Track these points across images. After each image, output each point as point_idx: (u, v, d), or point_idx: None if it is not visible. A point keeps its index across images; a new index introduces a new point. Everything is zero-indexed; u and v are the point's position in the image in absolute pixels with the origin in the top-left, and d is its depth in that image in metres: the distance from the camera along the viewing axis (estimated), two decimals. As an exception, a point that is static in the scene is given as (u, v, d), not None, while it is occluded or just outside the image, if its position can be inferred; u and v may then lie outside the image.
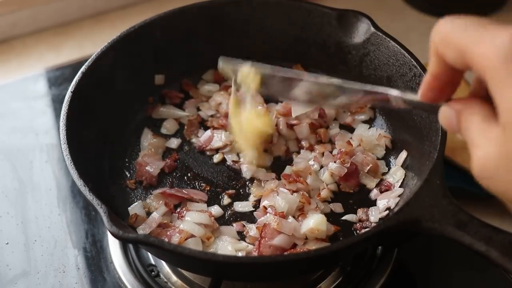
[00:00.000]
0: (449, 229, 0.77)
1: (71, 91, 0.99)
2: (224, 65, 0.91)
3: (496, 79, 0.52)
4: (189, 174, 1.06)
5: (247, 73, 0.86)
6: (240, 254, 0.93)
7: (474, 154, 0.57)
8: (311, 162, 1.05)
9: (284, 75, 0.83)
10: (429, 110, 0.66)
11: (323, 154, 1.06)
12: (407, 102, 0.69)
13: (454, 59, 0.57)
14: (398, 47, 1.03)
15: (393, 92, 0.70)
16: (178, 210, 0.99)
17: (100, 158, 1.03)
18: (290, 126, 1.08)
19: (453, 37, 0.56)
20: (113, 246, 1.06)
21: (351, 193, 1.02)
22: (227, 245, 0.94)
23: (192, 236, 0.93)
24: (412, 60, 1.00)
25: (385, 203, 0.98)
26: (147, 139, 1.10)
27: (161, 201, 1.00)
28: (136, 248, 1.04)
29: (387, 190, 1.00)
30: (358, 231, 0.96)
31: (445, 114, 0.62)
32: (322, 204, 0.99)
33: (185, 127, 1.13)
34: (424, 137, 0.96)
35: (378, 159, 1.06)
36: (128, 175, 1.06)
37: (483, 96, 0.59)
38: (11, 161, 1.22)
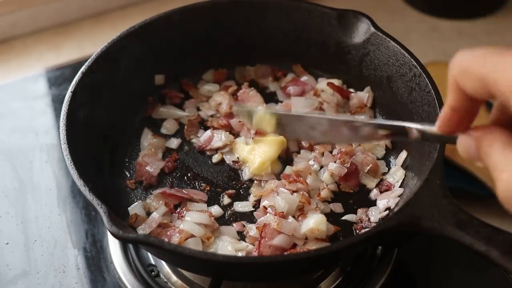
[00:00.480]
0: (449, 229, 0.77)
1: (71, 91, 0.99)
2: (238, 110, 0.97)
3: None
4: (189, 174, 1.06)
5: (261, 117, 0.88)
6: (240, 254, 0.93)
7: (499, 177, 0.57)
8: (311, 162, 1.05)
9: (296, 115, 0.87)
10: (447, 141, 0.66)
11: (323, 154, 1.06)
12: (424, 135, 0.70)
13: (475, 89, 0.57)
14: (398, 47, 1.03)
15: (410, 125, 0.71)
16: (178, 210, 0.99)
17: (100, 158, 1.03)
18: (290, 126, 1.08)
19: (474, 67, 0.56)
20: (113, 246, 1.06)
21: (351, 193, 1.02)
22: (227, 245, 0.94)
23: (192, 236, 0.93)
24: (412, 60, 1.00)
25: (385, 203, 0.98)
26: (147, 139, 1.10)
27: (161, 201, 1.00)
28: (136, 248, 1.04)
29: (387, 190, 1.00)
30: (358, 231, 0.96)
31: (463, 143, 0.62)
32: (322, 204, 0.99)
33: (185, 127, 1.13)
34: (424, 137, 0.95)
35: (378, 159, 1.06)
36: (128, 175, 1.06)
37: (504, 124, 0.60)
38: (11, 161, 1.22)
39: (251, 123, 0.91)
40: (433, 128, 0.66)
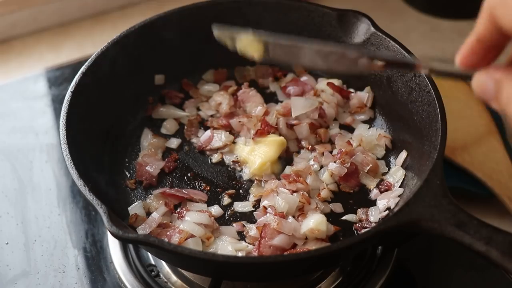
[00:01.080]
0: (449, 229, 0.77)
1: (71, 91, 0.99)
2: (219, 33, 0.85)
3: None
4: (189, 174, 1.06)
5: (248, 43, 0.81)
6: (240, 254, 0.93)
7: None
8: (311, 162, 1.05)
9: (287, 43, 0.79)
10: (459, 77, 0.62)
11: (323, 154, 1.06)
12: (437, 72, 0.65)
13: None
14: (398, 47, 1.03)
15: (421, 62, 0.66)
16: (178, 210, 0.99)
17: (100, 158, 1.03)
18: (290, 126, 1.08)
19: None
20: (113, 246, 1.06)
21: (351, 193, 1.02)
22: (227, 245, 0.94)
23: (192, 236, 0.93)
24: (412, 60, 1.00)
25: (385, 203, 0.98)
26: (147, 139, 1.10)
27: (161, 201, 1.00)
28: (136, 248, 1.04)
29: (387, 190, 1.00)
30: (358, 231, 0.96)
31: (481, 80, 0.59)
32: (322, 204, 0.99)
33: (185, 127, 1.13)
34: (424, 137, 0.96)
35: (378, 159, 1.06)
36: (128, 175, 1.06)
37: None
38: (11, 161, 1.22)
39: (233, 46, 0.83)
40: (451, 65, 0.62)
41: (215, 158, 1.08)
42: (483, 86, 0.59)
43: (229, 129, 1.11)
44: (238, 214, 1.00)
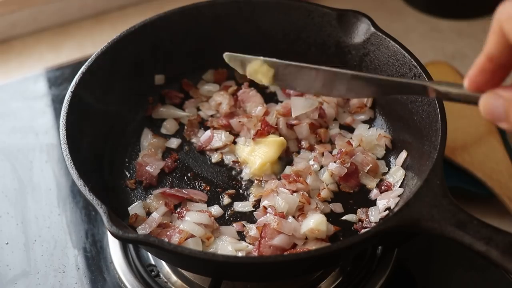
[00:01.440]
0: (449, 229, 0.77)
1: (71, 91, 0.99)
2: (230, 60, 0.88)
3: None
4: (189, 174, 1.06)
5: (257, 68, 0.84)
6: (240, 254, 0.93)
7: None
8: (311, 162, 1.05)
9: (298, 65, 0.80)
10: (468, 101, 0.62)
11: (323, 154, 1.06)
12: (445, 94, 0.65)
13: None
14: (398, 47, 1.03)
15: (430, 85, 0.67)
16: (178, 210, 0.99)
17: (100, 158, 1.03)
18: (290, 126, 1.08)
19: None
20: (113, 246, 1.06)
21: (351, 193, 1.02)
22: (227, 245, 0.94)
23: (192, 236, 0.93)
24: (412, 60, 1.00)
25: (385, 203, 0.98)
26: (147, 139, 1.10)
27: (161, 201, 1.00)
28: (136, 248, 1.05)
29: (387, 190, 1.00)
30: (358, 231, 0.96)
31: (489, 102, 0.58)
32: (322, 204, 0.99)
33: (185, 127, 1.13)
34: (424, 137, 0.96)
35: (378, 159, 1.06)
36: (128, 175, 1.06)
37: None
38: (11, 161, 1.22)
39: (243, 71, 0.85)
40: (459, 88, 0.62)
41: (215, 158, 1.08)
42: (491, 106, 0.58)
43: (229, 129, 1.11)
44: (238, 214, 1.00)
